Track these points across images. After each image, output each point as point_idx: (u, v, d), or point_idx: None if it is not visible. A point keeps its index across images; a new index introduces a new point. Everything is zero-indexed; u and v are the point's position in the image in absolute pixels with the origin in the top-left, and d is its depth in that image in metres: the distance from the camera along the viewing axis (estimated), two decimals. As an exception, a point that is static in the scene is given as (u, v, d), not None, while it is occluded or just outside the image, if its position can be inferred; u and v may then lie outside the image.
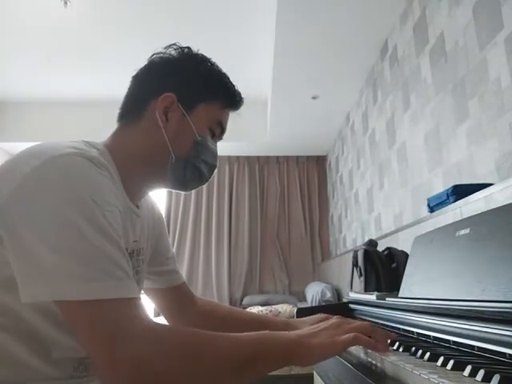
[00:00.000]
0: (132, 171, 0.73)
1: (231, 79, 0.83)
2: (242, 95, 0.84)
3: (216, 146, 0.82)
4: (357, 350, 0.72)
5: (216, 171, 0.85)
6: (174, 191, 1.00)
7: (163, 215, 0.96)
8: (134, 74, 0.79)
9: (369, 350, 0.66)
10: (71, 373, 0.64)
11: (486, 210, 0.77)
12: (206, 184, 0.85)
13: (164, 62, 0.77)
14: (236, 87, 0.82)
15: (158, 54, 0.78)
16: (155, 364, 0.52)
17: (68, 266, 0.52)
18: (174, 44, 0.79)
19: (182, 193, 0.86)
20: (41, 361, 0.60)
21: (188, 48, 0.79)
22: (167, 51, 0.78)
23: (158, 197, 4.31)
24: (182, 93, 0.75)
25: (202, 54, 0.81)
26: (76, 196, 0.56)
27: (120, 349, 0.51)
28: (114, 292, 0.53)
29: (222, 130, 0.82)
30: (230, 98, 0.81)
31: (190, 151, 0.76)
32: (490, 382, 0.42)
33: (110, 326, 0.52)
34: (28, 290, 0.54)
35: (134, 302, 0.56)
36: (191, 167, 0.77)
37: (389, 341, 0.69)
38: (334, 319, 0.69)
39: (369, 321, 1.06)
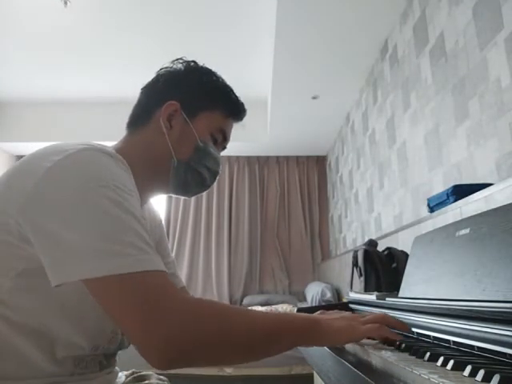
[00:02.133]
0: (137, 174, 0.76)
1: (235, 87, 0.86)
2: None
3: (219, 154, 0.85)
4: (356, 350, 0.72)
5: None
6: (175, 196, 1.02)
7: (163, 219, 0.98)
8: (142, 86, 0.84)
9: (370, 350, 0.67)
10: (72, 370, 0.65)
11: (486, 209, 0.77)
12: (208, 190, 0.88)
13: (170, 74, 0.82)
14: (239, 98, 0.86)
15: (165, 67, 0.83)
16: (191, 335, 0.53)
17: (94, 244, 0.54)
18: (181, 58, 0.83)
19: (184, 198, 0.89)
20: (44, 356, 0.61)
21: (194, 62, 0.84)
22: (174, 65, 0.82)
23: (158, 200, 4.30)
24: (186, 101, 0.79)
25: (208, 67, 0.84)
26: (98, 182, 0.58)
27: (155, 319, 0.52)
28: (143, 265, 0.54)
29: (225, 138, 0.85)
30: (232, 108, 0.84)
31: (191, 156, 0.79)
32: (489, 382, 0.42)
33: (143, 298, 0.53)
34: (57, 273, 0.54)
35: (163, 275, 0.57)
36: (192, 171, 0.80)
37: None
38: (347, 313, 0.72)
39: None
